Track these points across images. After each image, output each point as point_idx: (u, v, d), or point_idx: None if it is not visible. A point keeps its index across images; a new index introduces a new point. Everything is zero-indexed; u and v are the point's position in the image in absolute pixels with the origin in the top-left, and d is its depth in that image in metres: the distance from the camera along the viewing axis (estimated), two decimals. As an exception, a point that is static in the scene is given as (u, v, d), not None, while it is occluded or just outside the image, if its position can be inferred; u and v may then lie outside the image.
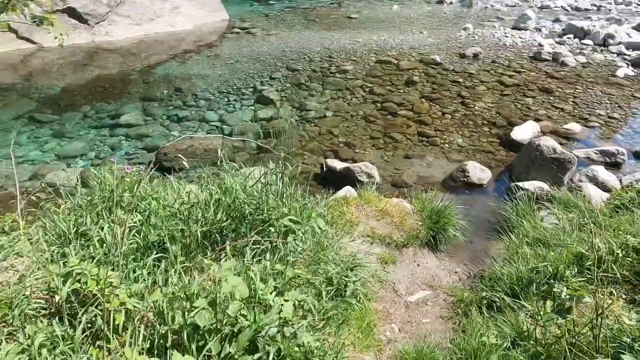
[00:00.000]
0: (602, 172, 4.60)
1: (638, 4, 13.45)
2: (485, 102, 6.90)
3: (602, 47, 9.15)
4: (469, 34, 10.28)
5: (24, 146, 5.92)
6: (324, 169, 5.00)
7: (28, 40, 8.98)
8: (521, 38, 9.87)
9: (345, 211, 3.63)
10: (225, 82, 7.84)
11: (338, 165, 4.87)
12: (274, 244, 2.29)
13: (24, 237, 2.47)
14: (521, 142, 5.57)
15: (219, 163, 3.13)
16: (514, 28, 10.74)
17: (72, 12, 9.46)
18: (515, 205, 4.04)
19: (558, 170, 4.49)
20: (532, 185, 4.34)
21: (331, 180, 4.87)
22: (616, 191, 4.30)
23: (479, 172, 4.73)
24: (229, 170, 2.89)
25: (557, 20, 11.30)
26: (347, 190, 4.07)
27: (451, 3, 13.81)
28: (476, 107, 6.71)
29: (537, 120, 6.19)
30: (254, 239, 2.30)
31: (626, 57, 8.57)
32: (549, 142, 4.56)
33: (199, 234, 2.28)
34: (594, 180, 4.57)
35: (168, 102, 7.19)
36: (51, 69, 8.55)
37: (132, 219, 2.25)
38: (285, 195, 2.61)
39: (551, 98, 6.96)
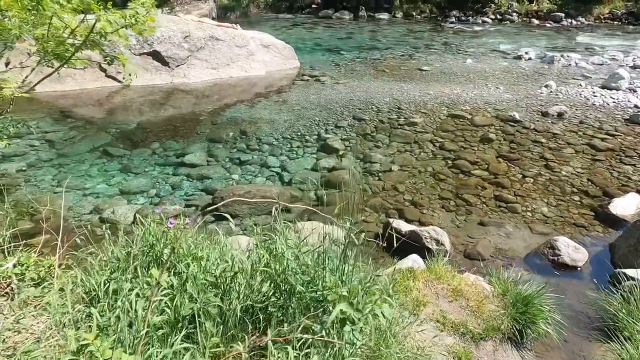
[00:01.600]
0: None
1: None
2: (574, 167, 6.12)
3: None
4: (551, 92, 9.55)
5: (93, 178, 6.07)
6: (388, 231, 4.52)
7: (114, 79, 9.63)
8: (613, 98, 8.97)
9: (412, 287, 3.11)
10: (290, 128, 7.75)
11: (404, 227, 4.37)
12: (328, 335, 1.84)
13: (56, 289, 2.24)
14: (622, 217, 4.75)
15: (272, 220, 2.78)
16: (603, 87, 9.85)
17: (156, 55, 10.09)
18: (625, 299, 3.27)
19: (678, 258, 3.66)
20: (644, 274, 3.55)
21: (394, 244, 4.37)
22: None
23: (572, 250, 4.00)
24: (281, 231, 2.52)
25: (654, 81, 10.25)
26: (413, 260, 3.54)
27: (530, 59, 13.16)
28: (563, 172, 5.96)
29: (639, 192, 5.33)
30: (303, 324, 1.88)
31: None
32: (665, 224, 3.77)
33: (238, 311, 1.90)
34: None
35: (232, 145, 7.18)
36: (130, 106, 9.02)
37: (163, 287, 1.92)
38: (345, 272, 2.18)
39: (656, 167, 6.04)
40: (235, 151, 6.96)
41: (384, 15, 24.18)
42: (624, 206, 4.88)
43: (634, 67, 11.97)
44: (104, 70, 9.66)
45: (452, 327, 2.86)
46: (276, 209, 2.51)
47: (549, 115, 8.05)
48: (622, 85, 9.71)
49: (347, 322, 1.89)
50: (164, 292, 1.94)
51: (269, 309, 2.04)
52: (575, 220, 4.84)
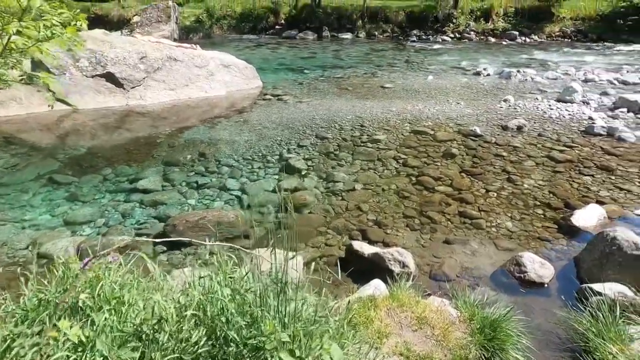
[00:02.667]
0: (700, 276, 3.65)
1: (693, 79, 12.65)
2: (535, 179, 6.12)
3: (663, 122, 8.32)
4: (510, 106, 9.73)
5: (35, 208, 5.59)
6: (349, 255, 4.29)
7: (64, 102, 9.13)
8: (568, 111, 9.21)
9: (373, 317, 2.86)
10: (251, 149, 7.48)
11: (366, 249, 4.15)
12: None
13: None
14: (584, 229, 4.71)
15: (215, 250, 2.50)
16: (558, 100, 10.13)
17: (110, 77, 9.68)
18: (592, 317, 3.14)
19: (642, 270, 3.59)
20: (610, 289, 3.44)
21: (357, 268, 4.13)
22: None
23: (538, 267, 3.88)
24: (219, 266, 2.24)
25: (605, 94, 10.64)
26: (375, 287, 3.31)
27: (488, 75, 13.50)
28: (525, 185, 5.94)
29: (600, 202, 5.33)
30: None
31: (693, 133, 7.68)
32: (628, 236, 3.70)
33: (159, 369, 1.59)
34: (690, 285, 3.62)
35: (190, 168, 6.84)
36: (81, 130, 8.54)
37: (72, 342, 1.60)
38: (287, 312, 1.91)
39: (613, 177, 6.11)
40: (193, 174, 6.62)
41: (347, 35, 24.54)
42: (585, 218, 4.85)
43: (586, 81, 12.45)
44: (53, 93, 9.15)
45: (416, 360, 2.62)
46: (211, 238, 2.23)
47: (508, 129, 8.14)
48: (576, 98, 10.02)
49: (289, 374, 1.62)
50: (69, 350, 1.62)
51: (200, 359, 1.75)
52: (540, 234, 4.77)
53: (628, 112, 9.01)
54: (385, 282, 3.53)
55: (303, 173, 6.57)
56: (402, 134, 7.99)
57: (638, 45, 21.45)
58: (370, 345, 2.65)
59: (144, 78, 10.08)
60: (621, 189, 5.75)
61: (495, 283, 3.91)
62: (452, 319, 2.98)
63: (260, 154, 7.26)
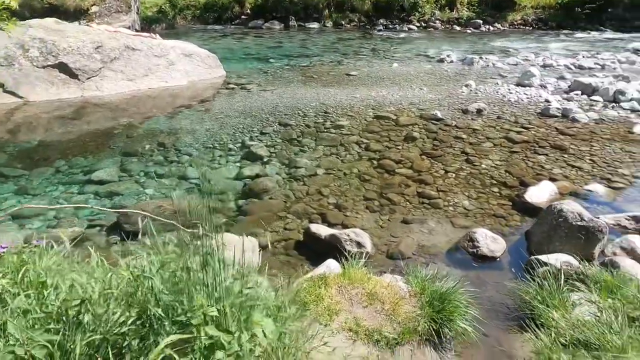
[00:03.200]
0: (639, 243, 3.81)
1: (643, 63, 13.21)
2: (493, 159, 6.25)
3: (614, 104, 8.65)
4: (471, 91, 9.90)
5: (-20, 204, 5.30)
6: (307, 237, 4.27)
7: (13, 94, 8.69)
8: (526, 94, 9.45)
9: (323, 295, 2.85)
10: (212, 137, 7.33)
11: (323, 231, 4.14)
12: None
13: None
14: (537, 205, 4.84)
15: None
16: (517, 85, 10.38)
17: (63, 68, 9.26)
18: (539, 287, 3.23)
19: (587, 241, 3.71)
20: (556, 259, 3.55)
21: (315, 251, 4.12)
22: (662, 268, 3.49)
23: (490, 241, 3.96)
24: (154, 246, 2.16)
25: (561, 78, 10.98)
26: (327, 266, 3.30)
27: (452, 61, 13.69)
28: (483, 165, 6.06)
29: (552, 180, 5.50)
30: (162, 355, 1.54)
31: (641, 113, 8.03)
32: (573, 207, 3.82)
33: (78, 349, 1.51)
34: (631, 253, 3.78)
35: (148, 158, 6.64)
36: (33, 123, 8.14)
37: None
38: (220, 288, 1.86)
39: (565, 156, 6.31)
40: (152, 164, 6.43)
41: (314, 25, 24.35)
42: (538, 194, 4.98)
43: (544, 66, 12.81)
44: (2, 85, 8.69)
45: (366, 334, 2.62)
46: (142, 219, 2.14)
47: (469, 113, 8.28)
48: (534, 82, 10.29)
49: (217, 348, 1.57)
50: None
51: (127, 339, 1.68)
52: (495, 211, 4.87)
53: (582, 94, 9.32)
54: (340, 261, 3.51)
55: (265, 160, 6.49)
56: (366, 120, 8.01)
57: (594, 32, 22.25)
58: (319, 322, 2.64)
59: (100, 68, 9.69)
60: (573, 167, 5.94)
61: (450, 259, 3.98)
62: (402, 293, 3.00)
63: (221, 142, 7.12)
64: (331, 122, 7.91)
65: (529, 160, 6.18)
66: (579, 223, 3.71)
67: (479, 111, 8.28)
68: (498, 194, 5.26)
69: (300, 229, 4.60)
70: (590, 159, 6.17)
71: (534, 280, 3.36)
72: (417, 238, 4.34)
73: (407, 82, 10.92)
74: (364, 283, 3.00)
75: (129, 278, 1.87)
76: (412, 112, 8.41)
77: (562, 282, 3.22)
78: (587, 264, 3.50)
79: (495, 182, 5.57)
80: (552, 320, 2.82)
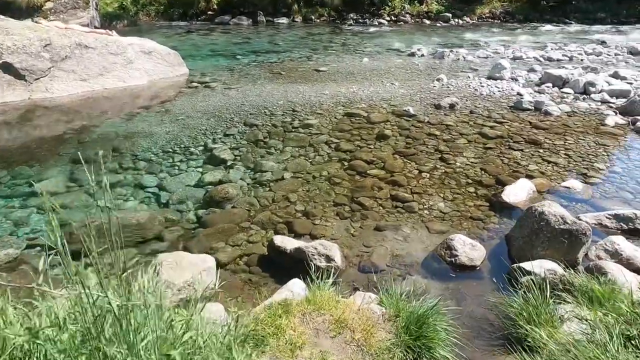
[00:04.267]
0: (625, 246, 3.59)
1: (608, 54, 13.36)
2: (467, 157, 6.01)
3: (584, 95, 8.60)
4: (443, 85, 9.70)
5: None
6: (271, 251, 3.88)
7: (-51, 98, 7.90)
8: (498, 87, 9.31)
9: (285, 326, 2.47)
10: (172, 141, 6.82)
11: (289, 244, 3.75)
12: None
13: None
14: (515, 204, 4.61)
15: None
16: (489, 78, 10.25)
17: (7, 68, 8.50)
18: (523, 300, 2.94)
19: (570, 245, 3.47)
20: (540, 267, 3.29)
21: (280, 266, 3.74)
22: (650, 272, 3.28)
23: (469, 249, 3.67)
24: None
25: (532, 70, 10.92)
26: (288, 290, 2.91)
27: (423, 55, 13.50)
28: (457, 164, 5.80)
29: (529, 177, 5.29)
30: None
31: (611, 105, 7.98)
32: (555, 210, 3.57)
33: None
34: (616, 256, 3.56)
35: (101, 165, 6.07)
36: (-28, 130, 7.42)
37: None
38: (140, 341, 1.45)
39: (540, 151, 6.13)
40: (105, 172, 5.87)
41: (284, 20, 23.83)
42: (515, 193, 4.75)
43: (514, 59, 12.77)
44: (-64, 89, 7.90)
45: (334, 373, 2.27)
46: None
47: (441, 108, 8.05)
48: (505, 75, 10.18)
49: None
50: None
51: None
52: (472, 213, 4.60)
53: (553, 86, 9.25)
54: (307, 280, 3.14)
55: (229, 164, 6.05)
56: (335, 117, 7.65)
57: (560, 24, 22.61)
58: (279, 360, 2.26)
59: (49, 68, 8.97)
60: (548, 162, 5.76)
61: (427, 270, 3.66)
62: (375, 318, 2.65)
63: (182, 146, 6.63)
64: (299, 121, 7.51)
65: (504, 157, 5.96)
66: (561, 226, 3.46)
67: (452, 106, 8.05)
68: (474, 194, 5.00)
69: (265, 242, 4.19)
70: (565, 154, 6.00)
71: (517, 292, 3.08)
72: (391, 247, 4.01)
73: (378, 77, 10.62)
74: (332, 308, 2.64)
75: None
76: (384, 108, 8.11)
77: (547, 293, 2.95)
78: (572, 271, 3.24)
79: (470, 181, 5.32)
80: (540, 341, 2.54)
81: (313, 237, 4.20)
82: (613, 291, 2.92)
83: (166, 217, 4.77)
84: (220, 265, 3.84)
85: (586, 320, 2.65)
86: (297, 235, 4.27)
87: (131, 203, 5.20)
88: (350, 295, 3.14)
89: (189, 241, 4.30)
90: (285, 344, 2.37)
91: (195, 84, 10.11)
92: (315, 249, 3.59)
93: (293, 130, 7.14)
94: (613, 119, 7.14)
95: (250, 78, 10.70)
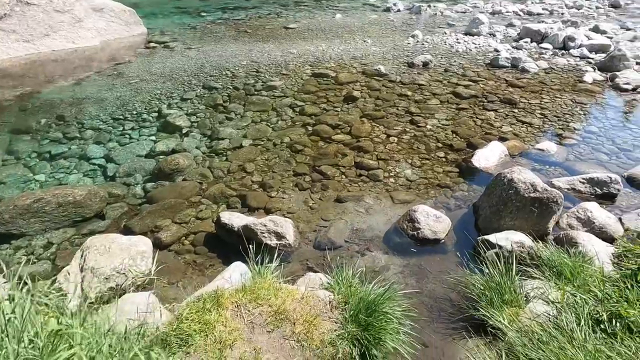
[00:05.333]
0: (597, 213, 3.35)
1: (589, 7, 12.92)
2: (439, 119, 5.65)
3: (563, 51, 8.24)
4: (418, 42, 9.19)
5: None
6: (217, 229, 3.53)
7: None
8: (475, 44, 8.85)
9: (214, 321, 2.15)
10: (124, 107, 6.26)
11: (236, 222, 3.39)
12: None
13: None
14: (485, 170, 4.32)
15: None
16: (466, 34, 9.76)
17: (-64, 28, 7.63)
18: (487, 277, 2.68)
19: (541, 214, 3.20)
20: (507, 239, 3.02)
21: (228, 246, 3.39)
22: (622, 242, 3.05)
23: (432, 221, 3.37)
24: None
25: (510, 25, 10.45)
26: (224, 279, 2.57)
27: (399, 10, 12.83)
28: (428, 126, 5.45)
29: (502, 139, 4.99)
30: None
31: (590, 60, 7.65)
32: (525, 176, 3.27)
33: None
34: (588, 224, 3.32)
35: (44, 135, 5.55)
36: None
37: None
38: None
39: (515, 111, 5.81)
40: (47, 143, 5.38)
41: (255, -26, 22.39)
42: (486, 157, 4.45)
43: (493, 13, 12.23)
44: None
45: (267, 374, 1.98)
46: None
47: (414, 66, 7.59)
48: (483, 30, 9.69)
49: None
50: None
51: None
52: (440, 180, 4.30)
53: (531, 42, 8.85)
54: (251, 261, 2.81)
55: (184, 131, 5.58)
56: (302, 78, 7.14)
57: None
58: (205, 364, 1.95)
59: (-14, 28, 8.10)
60: (523, 123, 5.45)
61: (388, 245, 3.37)
62: (321, 306, 2.36)
63: (134, 112, 6.09)
64: (263, 82, 6.99)
65: (477, 118, 5.63)
66: (531, 194, 3.18)
67: (425, 64, 7.60)
68: (444, 160, 4.68)
69: (215, 218, 3.83)
70: (540, 114, 5.70)
71: (482, 267, 2.82)
72: (352, 220, 3.70)
73: (350, 34, 10.01)
74: (271, 298, 2.33)
75: None
76: (354, 67, 7.61)
77: (513, 270, 2.70)
78: (541, 243, 2.99)
79: (441, 145, 4.99)
80: (503, 325, 2.29)
81: (268, 212, 3.86)
82: (583, 265, 2.68)
83: (111, 192, 4.34)
84: (162, 246, 3.48)
85: (552, 300, 2.41)
86: (251, 210, 3.91)
87: (74, 176, 4.74)
88: (302, 276, 2.83)
89: (131, 219, 3.90)
90: (214, 342, 2.06)
91: (153, 44, 9.35)
92: (265, 226, 3.25)
93: (256, 93, 6.63)
94: (591, 76, 6.83)
95: (214, 37, 9.95)
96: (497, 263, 2.77)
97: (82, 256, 3.03)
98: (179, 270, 3.23)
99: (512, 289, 2.59)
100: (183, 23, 11.54)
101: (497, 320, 2.31)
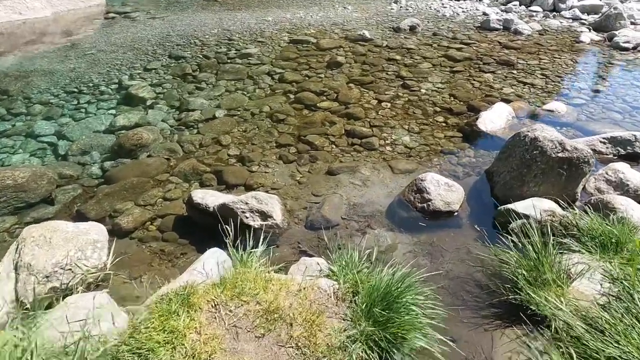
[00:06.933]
0: (630, 174, 2.92)
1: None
2: (433, 82, 5.14)
3: (554, 13, 7.83)
4: (402, 7, 8.62)
5: None
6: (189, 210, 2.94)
7: None
8: (462, 8, 8.35)
9: (182, 328, 1.60)
10: (78, 79, 5.51)
11: (212, 200, 2.81)
12: None
13: None
14: (493, 133, 3.85)
15: None
16: (451, -1, 9.24)
17: None
18: (521, 252, 2.21)
19: (569, 177, 2.74)
20: (534, 207, 2.55)
21: (203, 230, 2.82)
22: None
23: (444, 190, 2.87)
24: None
25: (496, -10, 9.97)
26: (196, 271, 2.00)
27: (378, -22, 12.15)
28: (422, 90, 4.93)
29: (505, 100, 4.52)
30: None
31: (584, 21, 7.27)
32: (551, 134, 2.80)
33: None
34: (620, 186, 2.88)
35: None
36: None
37: None
38: None
39: (514, 72, 5.35)
40: (-16, 120, 4.62)
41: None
42: (492, 119, 3.97)
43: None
44: None
45: (259, 397, 1.45)
46: None
47: (401, 31, 7.03)
48: (469, -6, 9.18)
49: None
50: None
51: None
52: (443, 146, 3.81)
53: (520, 4, 8.41)
54: (238, 246, 2.25)
55: (148, 103, 4.90)
56: (279, 45, 6.49)
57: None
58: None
59: None
60: (525, 84, 5.00)
61: (393, 220, 2.86)
62: (324, 299, 1.83)
63: (90, 84, 5.36)
64: (237, 50, 6.31)
65: (474, 80, 5.14)
66: (559, 154, 2.71)
67: (412, 28, 7.05)
68: (444, 124, 4.19)
69: (186, 198, 3.24)
70: (541, 74, 5.26)
71: (510, 241, 2.34)
72: (347, 194, 3.17)
73: (329, 1, 9.35)
74: (260, 292, 1.78)
75: None
76: (336, 33, 6.99)
77: (550, 242, 2.23)
78: (577, 211, 2.54)
79: (439, 109, 4.49)
80: (548, 309, 1.82)
81: (249, 188, 3.29)
82: (631, 234, 2.24)
83: (61, 172, 3.68)
84: (122, 233, 2.89)
85: (601, 274, 1.95)
86: (229, 187, 3.34)
87: (18, 156, 4.04)
88: (296, 263, 2.30)
89: (85, 203, 3.27)
90: (184, 357, 1.51)
91: (112, 15, 8.46)
92: (247, 203, 2.68)
93: (229, 61, 5.96)
94: (588, 36, 6.43)
95: (180, 6, 9.12)
96: (527, 235, 2.30)
97: (16, 250, 2.41)
98: (142, 261, 2.65)
99: (551, 265, 2.13)
100: (146, -7, 10.59)
101: (544, 304, 1.84)
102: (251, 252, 2.03)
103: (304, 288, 1.85)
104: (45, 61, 6.16)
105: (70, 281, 2.25)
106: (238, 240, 2.30)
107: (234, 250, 2.03)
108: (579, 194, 2.85)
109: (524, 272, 2.11)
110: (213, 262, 2.03)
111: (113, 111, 4.81)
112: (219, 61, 5.96)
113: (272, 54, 6.14)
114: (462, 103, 4.56)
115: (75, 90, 5.23)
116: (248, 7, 8.98)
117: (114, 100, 5.05)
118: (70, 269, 2.28)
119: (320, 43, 6.48)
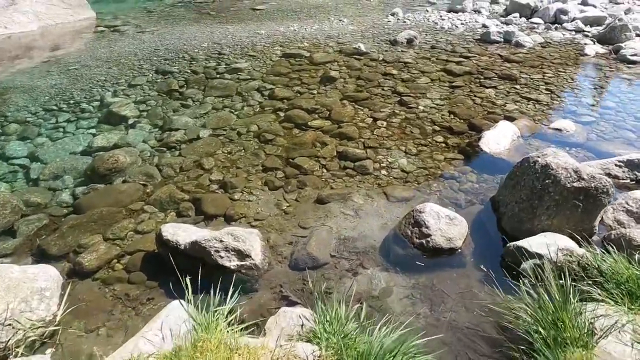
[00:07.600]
0: (653, 204, 2.61)
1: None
2: (432, 98, 4.85)
3: (556, 25, 7.59)
4: (399, 20, 8.40)
5: None
6: (160, 248, 2.62)
7: None
8: (460, 20, 8.12)
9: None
10: (58, 96, 5.24)
11: (182, 237, 2.49)
12: None
13: None
14: (498, 155, 3.54)
15: None
16: (449, 11, 9.03)
17: None
18: (534, 299, 1.89)
19: (586, 209, 2.43)
20: (548, 245, 2.23)
21: (175, 269, 2.49)
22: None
23: (445, 224, 2.56)
24: None
25: (495, 2, 9.78)
26: (152, 333, 1.68)
27: (375, -10, 12.00)
28: (420, 107, 4.64)
29: (508, 118, 4.22)
30: None
31: (587, 33, 7.02)
32: (565, 160, 2.49)
33: None
34: (642, 219, 2.57)
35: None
36: None
37: None
38: None
39: (517, 87, 5.07)
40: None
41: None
42: (496, 140, 3.67)
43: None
44: None
45: None
46: None
47: (398, 44, 6.78)
48: (467, 6, 8.98)
49: None
50: None
51: None
52: (443, 169, 3.50)
53: (520, 16, 8.17)
54: (201, 300, 1.92)
55: (130, 122, 4.62)
56: (271, 60, 6.23)
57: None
58: None
59: None
60: (529, 99, 4.71)
61: (388, 258, 2.54)
62: (302, 373, 1.50)
63: (71, 102, 5.08)
64: (226, 65, 6.04)
65: (475, 96, 4.86)
66: (575, 184, 2.40)
67: (410, 41, 6.80)
68: (444, 145, 3.89)
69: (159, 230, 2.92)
70: (546, 89, 4.98)
71: (522, 285, 2.02)
72: (338, 226, 2.85)
73: (324, 14, 9.13)
74: (223, 366, 1.46)
75: None
76: (330, 47, 6.74)
77: (569, 290, 1.91)
78: (594, 247, 2.22)
79: (438, 128, 4.19)
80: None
81: (229, 220, 2.98)
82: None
83: (28, 200, 3.37)
84: (83, 273, 2.57)
85: (629, 330, 1.63)
86: (208, 218, 3.02)
87: (-15, 181, 3.73)
88: (275, 314, 1.98)
89: (49, 236, 2.95)
90: None
91: (101, 29, 8.23)
92: (222, 241, 2.36)
93: (217, 76, 5.69)
94: (593, 48, 6.17)
95: (172, 20, 8.89)
96: (542, 278, 1.99)
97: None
98: (102, 309, 2.32)
99: (573, 319, 1.81)
100: (139, 7, 10.41)
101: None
102: (216, 310, 1.70)
103: (278, 357, 1.53)
104: (26, 77, 5.89)
105: (9, 339, 1.92)
106: (209, 290, 1.98)
107: (195, 310, 1.70)
108: (597, 228, 2.53)
109: (540, 329, 1.79)
110: (172, 321, 1.71)
111: (93, 130, 4.53)
112: (207, 76, 5.69)
113: (263, 69, 5.87)
114: (462, 121, 4.27)
115: (55, 107, 4.95)
116: (241, 20, 8.76)
117: (95, 118, 4.77)
118: (10, 324, 1.96)
119: (314, 57, 6.22)
